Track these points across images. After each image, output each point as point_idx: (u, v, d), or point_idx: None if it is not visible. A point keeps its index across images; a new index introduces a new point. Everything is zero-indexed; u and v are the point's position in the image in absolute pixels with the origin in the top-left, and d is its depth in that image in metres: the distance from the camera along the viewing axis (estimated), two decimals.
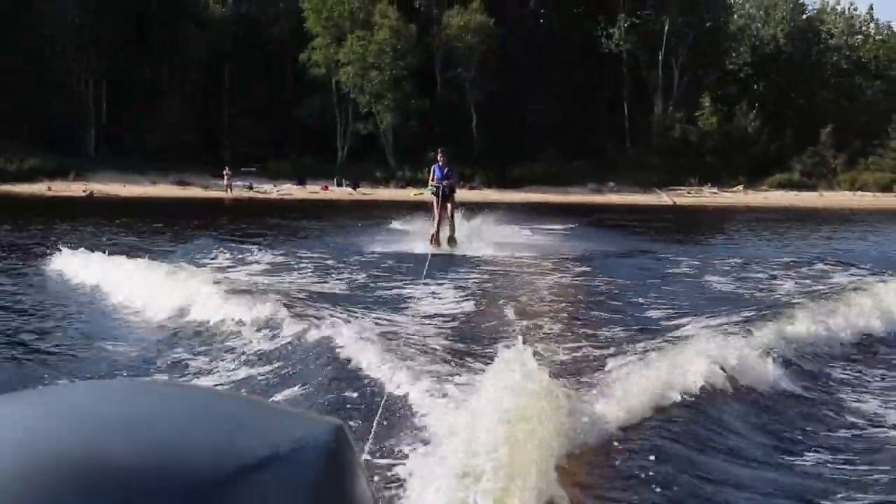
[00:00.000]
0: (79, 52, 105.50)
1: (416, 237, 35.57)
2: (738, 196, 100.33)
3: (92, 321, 19.68)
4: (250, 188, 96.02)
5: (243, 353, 15.50)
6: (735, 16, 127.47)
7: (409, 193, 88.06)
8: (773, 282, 27.70)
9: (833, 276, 28.86)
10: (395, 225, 44.81)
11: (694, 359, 12.91)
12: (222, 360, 15.17)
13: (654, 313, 20.57)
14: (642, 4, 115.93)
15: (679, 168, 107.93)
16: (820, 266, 31.62)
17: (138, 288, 21.47)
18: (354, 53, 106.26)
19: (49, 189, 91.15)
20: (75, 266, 26.19)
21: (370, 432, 9.07)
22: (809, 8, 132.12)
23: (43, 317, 20.30)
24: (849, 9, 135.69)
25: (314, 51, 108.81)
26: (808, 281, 27.71)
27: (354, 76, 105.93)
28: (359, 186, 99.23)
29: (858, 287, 22.83)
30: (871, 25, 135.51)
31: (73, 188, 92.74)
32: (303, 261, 29.68)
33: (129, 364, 15.45)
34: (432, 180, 31.17)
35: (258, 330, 16.73)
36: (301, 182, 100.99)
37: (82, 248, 28.63)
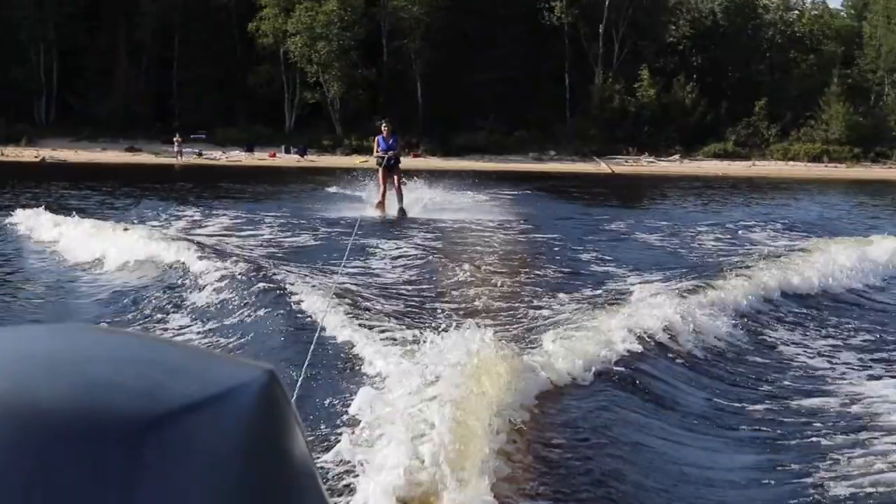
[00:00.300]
0: (32, 22, 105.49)
1: (361, 203, 36.02)
2: (673, 165, 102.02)
3: (47, 272, 21.95)
4: (199, 155, 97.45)
5: (193, 303, 17.04)
6: None
7: (355, 161, 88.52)
8: (697, 240, 31.06)
9: (752, 234, 33.15)
10: (337, 190, 45.65)
11: (632, 317, 14.07)
12: (173, 311, 16.76)
13: (595, 268, 22.77)
14: None
15: (617, 138, 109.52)
16: (740, 225, 35.70)
17: (93, 244, 23.52)
18: (302, 24, 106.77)
19: (2, 154, 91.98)
20: (32, 223, 28.28)
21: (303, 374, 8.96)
22: None
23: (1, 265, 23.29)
24: None
25: (263, 21, 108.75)
26: (728, 238, 31.80)
27: (302, 46, 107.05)
28: (306, 154, 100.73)
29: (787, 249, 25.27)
30: (808, 0, 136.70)
31: (25, 154, 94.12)
32: (255, 222, 31.69)
33: (83, 311, 17.72)
34: (377, 151, 31.75)
35: (199, 280, 18.39)
36: (250, 149, 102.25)
37: (39, 208, 30.43)
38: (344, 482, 7.87)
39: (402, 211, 30.98)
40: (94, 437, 0.86)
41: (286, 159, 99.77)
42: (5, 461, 0.84)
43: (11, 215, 30.65)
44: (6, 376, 0.89)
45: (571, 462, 8.68)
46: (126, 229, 25.56)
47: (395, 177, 31.28)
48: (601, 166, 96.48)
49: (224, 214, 34.58)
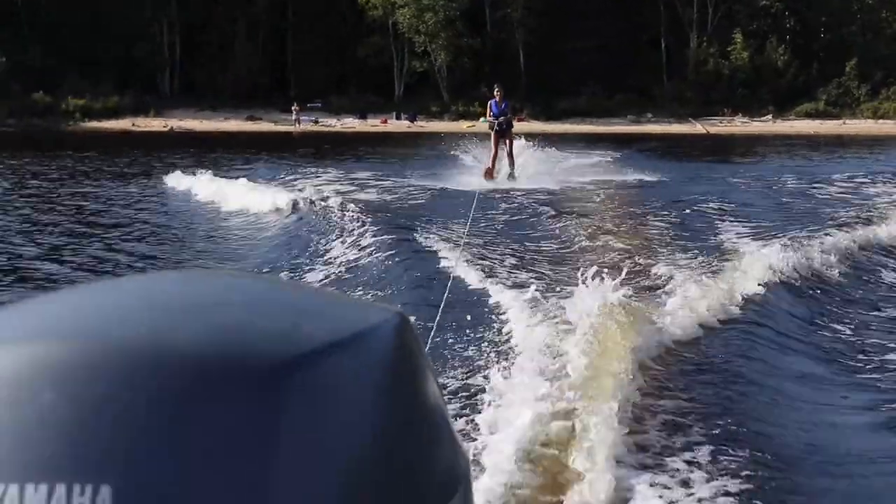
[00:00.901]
0: (157, 0, 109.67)
1: (472, 169, 35.67)
2: (767, 125, 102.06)
3: (204, 223, 24.97)
4: (316, 122, 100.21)
5: (328, 250, 18.91)
6: None
7: (462, 126, 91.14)
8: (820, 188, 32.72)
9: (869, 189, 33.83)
10: (456, 153, 44.64)
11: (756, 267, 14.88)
12: (316, 257, 18.56)
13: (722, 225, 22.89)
14: None
15: (712, 100, 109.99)
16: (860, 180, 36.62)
17: (249, 199, 27.06)
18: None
19: (133, 125, 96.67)
20: (188, 183, 32.29)
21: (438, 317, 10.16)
22: None
23: (166, 217, 26.22)
24: None
25: (371, 1, 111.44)
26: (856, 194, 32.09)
27: (411, 17, 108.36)
28: (416, 119, 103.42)
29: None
30: None
31: (154, 124, 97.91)
32: (378, 179, 34.07)
33: (236, 254, 20.20)
34: (489, 115, 31.57)
35: (342, 231, 20.37)
36: (363, 116, 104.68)
37: (193, 170, 34.48)
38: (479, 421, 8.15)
39: (511, 176, 30.70)
40: (232, 380, 0.88)
41: (397, 125, 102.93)
42: (147, 406, 0.86)
43: (173, 173, 34.93)
44: (142, 322, 0.92)
45: (707, 403, 9.08)
46: (266, 187, 29.74)
47: (508, 141, 31.22)
48: (696, 127, 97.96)
49: (352, 175, 36.50)
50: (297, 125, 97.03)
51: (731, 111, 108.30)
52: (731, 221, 23.23)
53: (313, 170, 38.69)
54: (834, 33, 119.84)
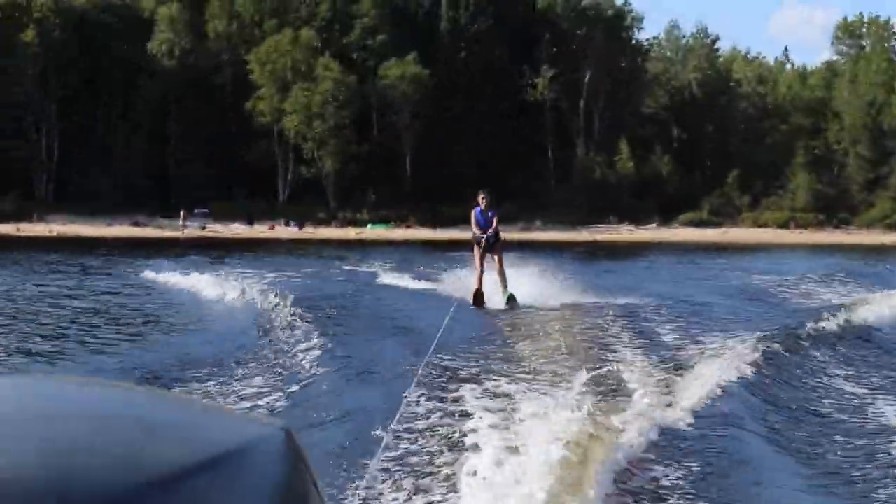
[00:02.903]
0: (32, 102, 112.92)
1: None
2: (651, 232, 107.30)
3: (179, 309, 29.78)
4: (203, 228, 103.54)
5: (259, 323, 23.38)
6: (653, 59, 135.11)
7: (351, 233, 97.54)
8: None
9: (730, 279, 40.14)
10: (350, 267, 47.63)
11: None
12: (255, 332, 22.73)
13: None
14: (563, 55, 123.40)
15: (600, 207, 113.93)
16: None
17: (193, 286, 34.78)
18: (299, 104, 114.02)
19: (17, 230, 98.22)
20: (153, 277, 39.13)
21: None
22: (722, 50, 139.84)
23: (139, 302, 31.45)
24: (759, 58, 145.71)
25: (259, 100, 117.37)
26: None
27: (299, 124, 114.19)
28: (304, 226, 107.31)
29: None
30: (787, 66, 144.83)
31: (38, 229, 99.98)
32: (291, 279, 37.02)
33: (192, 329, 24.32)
34: (475, 227, 27.98)
35: (263, 306, 25.93)
36: (250, 222, 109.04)
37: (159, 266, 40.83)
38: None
39: (511, 299, 26.66)
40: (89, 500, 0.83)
41: (285, 231, 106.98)
42: None
43: (144, 271, 40.89)
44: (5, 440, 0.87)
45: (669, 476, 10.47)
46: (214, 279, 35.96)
47: (496, 257, 27.32)
48: (583, 234, 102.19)
49: (252, 274, 39.48)
50: (184, 231, 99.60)
51: (619, 219, 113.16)
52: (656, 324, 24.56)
53: (224, 270, 42.05)
54: (717, 142, 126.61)
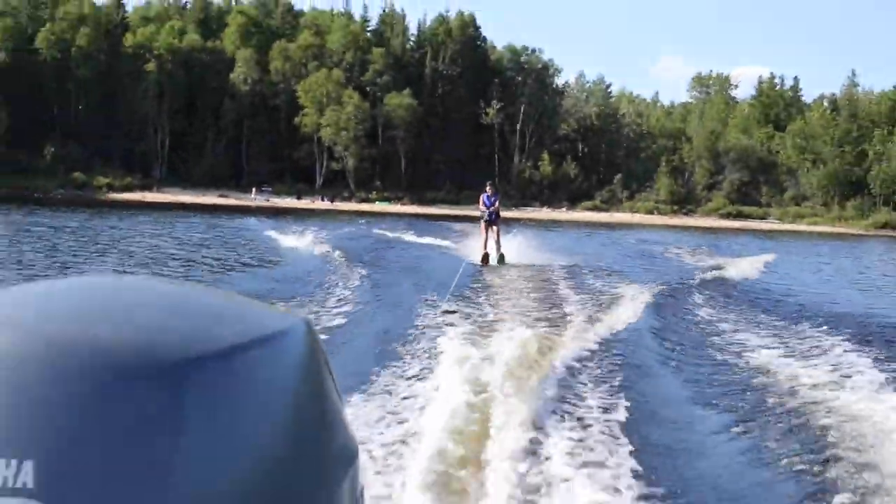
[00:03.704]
0: (151, 113, 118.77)
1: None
2: (562, 214, 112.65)
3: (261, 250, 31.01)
4: (267, 200, 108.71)
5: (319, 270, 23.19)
6: (567, 97, 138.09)
7: (363, 206, 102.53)
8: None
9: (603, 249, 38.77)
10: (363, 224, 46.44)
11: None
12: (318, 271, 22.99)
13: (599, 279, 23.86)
14: (506, 93, 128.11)
15: (528, 196, 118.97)
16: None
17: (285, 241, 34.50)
18: (331, 120, 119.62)
19: (144, 197, 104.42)
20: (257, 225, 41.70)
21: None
22: (613, 92, 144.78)
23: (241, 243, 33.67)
24: (638, 97, 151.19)
25: (304, 117, 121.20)
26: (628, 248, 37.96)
27: (331, 134, 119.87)
28: (334, 201, 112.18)
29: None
30: (658, 106, 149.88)
31: (159, 197, 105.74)
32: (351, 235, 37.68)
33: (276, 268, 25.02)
34: (481, 206, 27.68)
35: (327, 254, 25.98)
36: (298, 197, 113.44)
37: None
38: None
39: (501, 258, 26.80)
40: (141, 373, 0.80)
41: (322, 204, 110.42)
42: (67, 394, 0.78)
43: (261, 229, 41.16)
44: (69, 319, 0.84)
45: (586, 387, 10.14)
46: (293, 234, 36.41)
47: (495, 229, 26.97)
48: (518, 214, 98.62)
49: (308, 230, 39.82)
50: (255, 201, 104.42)
51: (540, 204, 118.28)
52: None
53: (295, 228, 42.51)
54: (608, 155, 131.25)
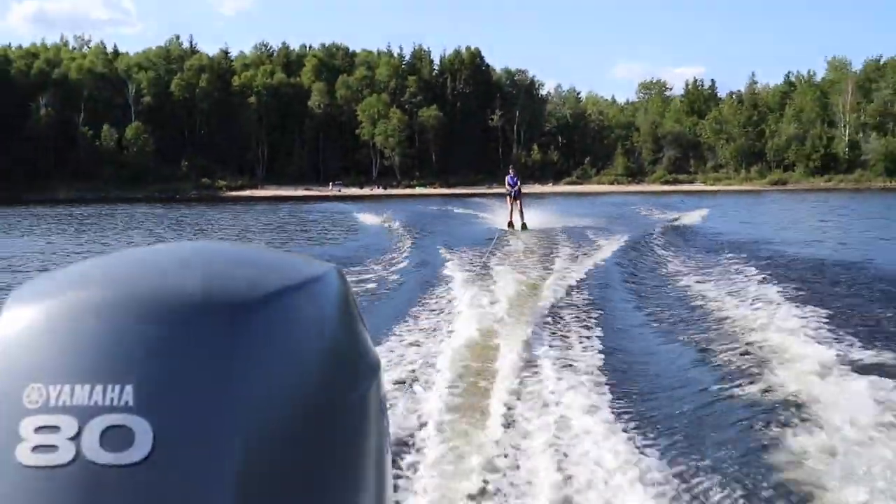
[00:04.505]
0: (253, 131, 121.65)
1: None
2: (547, 188, 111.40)
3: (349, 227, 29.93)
4: (339, 191, 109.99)
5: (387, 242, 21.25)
6: (549, 103, 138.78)
7: (407, 191, 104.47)
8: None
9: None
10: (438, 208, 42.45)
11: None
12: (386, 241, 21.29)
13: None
14: (505, 103, 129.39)
15: (523, 176, 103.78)
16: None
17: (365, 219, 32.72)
18: (381, 130, 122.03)
19: (252, 193, 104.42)
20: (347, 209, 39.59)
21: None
22: (582, 96, 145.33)
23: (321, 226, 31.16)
24: (600, 97, 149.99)
25: (362, 129, 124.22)
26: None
27: (382, 140, 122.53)
28: (386, 189, 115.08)
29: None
30: (614, 105, 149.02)
31: (262, 192, 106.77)
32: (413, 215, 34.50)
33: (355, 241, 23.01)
34: (508, 185, 26.27)
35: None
36: (361, 187, 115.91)
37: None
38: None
39: (524, 226, 25.13)
40: (215, 312, 0.79)
41: (378, 191, 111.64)
42: (156, 332, 0.77)
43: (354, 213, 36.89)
44: (156, 275, 0.83)
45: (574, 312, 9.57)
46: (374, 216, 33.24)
47: (519, 202, 25.62)
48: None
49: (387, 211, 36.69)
50: (331, 191, 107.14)
51: (533, 181, 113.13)
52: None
53: (374, 210, 39.81)
54: (579, 144, 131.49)
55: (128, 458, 0.72)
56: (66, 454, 0.72)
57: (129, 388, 0.74)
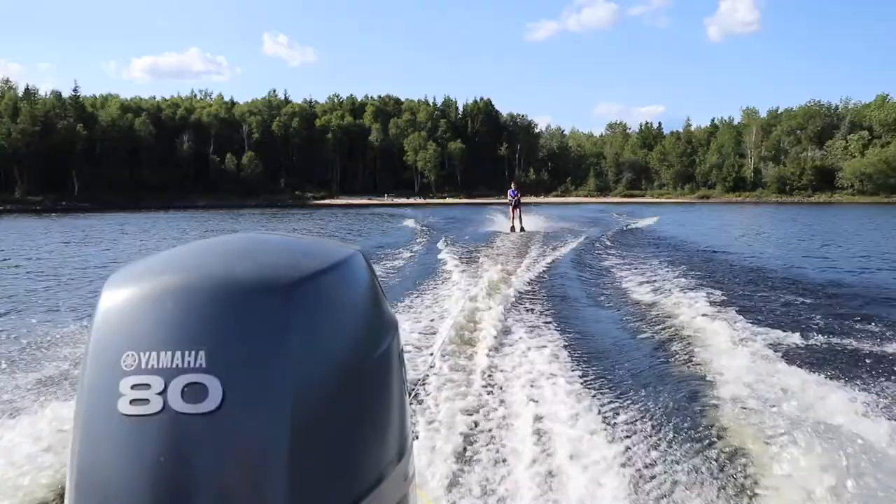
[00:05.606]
0: (329, 157, 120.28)
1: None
2: (541, 199, 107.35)
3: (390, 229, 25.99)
4: (392, 200, 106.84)
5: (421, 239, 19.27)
6: (541, 138, 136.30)
7: (439, 200, 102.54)
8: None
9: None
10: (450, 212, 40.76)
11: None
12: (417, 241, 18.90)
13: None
14: (509, 139, 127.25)
15: (522, 191, 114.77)
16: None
17: (406, 223, 28.96)
18: (421, 157, 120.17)
19: (331, 202, 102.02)
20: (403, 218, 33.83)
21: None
22: (566, 132, 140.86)
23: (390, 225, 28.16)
24: (579, 132, 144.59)
25: (406, 156, 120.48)
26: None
27: (422, 165, 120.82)
28: (424, 199, 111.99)
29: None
30: (590, 138, 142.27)
31: (338, 201, 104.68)
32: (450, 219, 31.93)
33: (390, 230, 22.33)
34: (509, 196, 24.53)
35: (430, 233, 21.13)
36: (407, 198, 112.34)
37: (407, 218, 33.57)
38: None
39: (522, 229, 23.10)
40: (266, 291, 0.73)
41: (419, 200, 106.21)
42: (223, 308, 0.72)
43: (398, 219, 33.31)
44: (219, 260, 0.77)
45: (549, 294, 8.59)
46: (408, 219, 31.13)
47: (519, 210, 23.80)
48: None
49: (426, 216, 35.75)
50: (384, 200, 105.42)
51: (529, 195, 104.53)
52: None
53: (411, 213, 39.15)
54: (562, 168, 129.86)
55: (203, 408, 0.69)
56: (155, 406, 0.70)
57: (202, 353, 0.72)
